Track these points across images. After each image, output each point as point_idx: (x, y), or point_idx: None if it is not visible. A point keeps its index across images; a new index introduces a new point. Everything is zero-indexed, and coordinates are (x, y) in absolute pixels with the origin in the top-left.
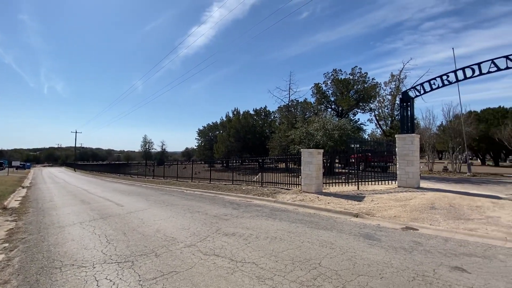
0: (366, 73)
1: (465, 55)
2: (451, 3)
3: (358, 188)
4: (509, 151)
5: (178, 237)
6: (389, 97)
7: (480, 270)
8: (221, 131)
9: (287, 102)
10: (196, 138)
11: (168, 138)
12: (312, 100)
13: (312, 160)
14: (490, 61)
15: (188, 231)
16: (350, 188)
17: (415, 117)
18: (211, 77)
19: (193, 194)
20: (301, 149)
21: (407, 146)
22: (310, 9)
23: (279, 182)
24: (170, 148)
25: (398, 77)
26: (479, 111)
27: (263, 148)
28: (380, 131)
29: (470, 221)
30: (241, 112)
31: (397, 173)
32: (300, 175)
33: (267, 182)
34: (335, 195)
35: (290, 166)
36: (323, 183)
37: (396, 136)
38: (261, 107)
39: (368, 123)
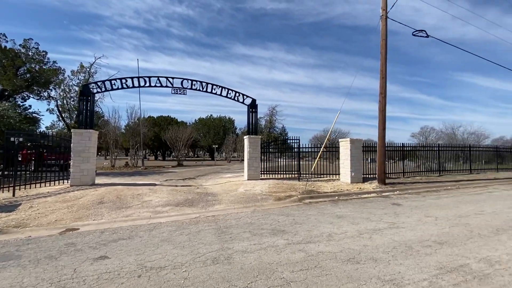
0: (46, 52)
1: (152, 70)
2: (144, 23)
3: (14, 195)
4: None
5: None
6: (77, 88)
7: (120, 251)
8: None
9: None
10: None
11: None
12: None
13: None
14: (156, 78)
15: None
16: (2, 196)
17: (103, 114)
18: None
19: None
20: None
21: (84, 142)
22: None
23: None
24: None
25: (88, 69)
26: (155, 117)
27: None
28: (63, 124)
29: (129, 208)
30: None
31: (71, 171)
32: None
33: None
34: None
35: None
36: None
37: (72, 131)
38: None
39: (47, 113)
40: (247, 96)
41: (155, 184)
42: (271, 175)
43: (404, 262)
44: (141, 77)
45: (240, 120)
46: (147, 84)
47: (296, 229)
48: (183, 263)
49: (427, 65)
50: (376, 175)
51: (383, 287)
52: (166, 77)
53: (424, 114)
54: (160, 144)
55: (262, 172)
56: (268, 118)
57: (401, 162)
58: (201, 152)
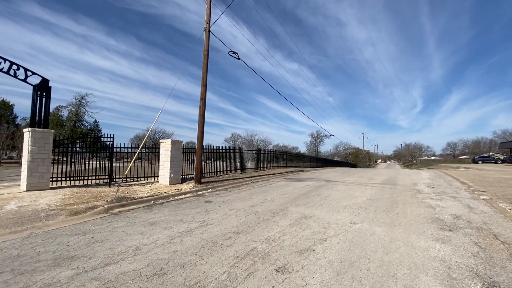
0: None
1: None
2: None
3: None
4: None
5: None
6: None
7: None
8: None
9: None
10: None
11: None
12: None
13: None
14: None
15: None
16: None
17: None
18: None
19: None
20: None
21: None
22: None
23: None
24: None
25: None
26: None
27: None
28: None
29: None
30: None
31: None
32: None
33: None
34: None
35: None
36: None
37: None
38: None
39: None
40: (34, 73)
41: None
42: (73, 181)
43: (209, 259)
44: None
45: (29, 106)
46: None
47: (94, 250)
48: None
49: (238, 83)
50: (194, 175)
51: None
52: None
53: (235, 123)
54: None
55: (57, 179)
56: (74, 109)
57: (216, 162)
58: None
